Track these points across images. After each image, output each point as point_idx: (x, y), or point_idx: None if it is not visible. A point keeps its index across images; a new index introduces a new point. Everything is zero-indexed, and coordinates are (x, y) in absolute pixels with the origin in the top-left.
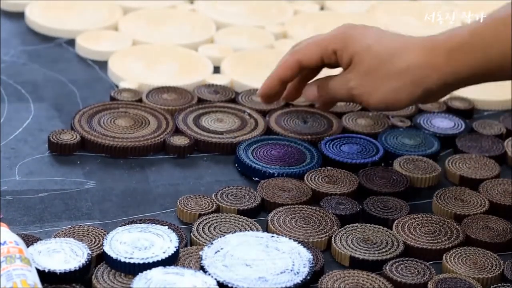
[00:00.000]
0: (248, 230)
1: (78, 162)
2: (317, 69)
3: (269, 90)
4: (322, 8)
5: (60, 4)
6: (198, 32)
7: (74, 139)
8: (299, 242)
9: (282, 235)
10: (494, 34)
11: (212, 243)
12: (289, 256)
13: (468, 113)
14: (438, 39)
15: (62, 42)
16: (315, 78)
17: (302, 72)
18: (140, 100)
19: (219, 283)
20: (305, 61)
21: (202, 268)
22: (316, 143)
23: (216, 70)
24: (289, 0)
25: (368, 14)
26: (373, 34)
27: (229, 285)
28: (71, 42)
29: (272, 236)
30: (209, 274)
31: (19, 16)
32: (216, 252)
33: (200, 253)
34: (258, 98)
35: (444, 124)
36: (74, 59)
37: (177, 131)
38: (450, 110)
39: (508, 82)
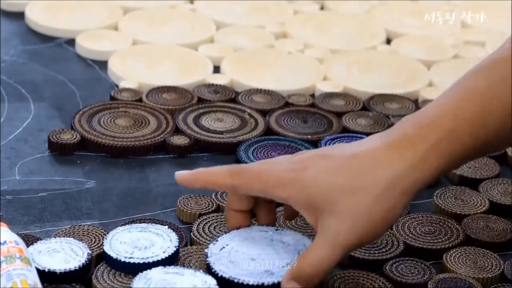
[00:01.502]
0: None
1: (78, 161)
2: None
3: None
4: (322, 8)
5: (60, 4)
6: (198, 32)
7: (74, 138)
8: (304, 234)
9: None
10: (479, 111)
11: (217, 240)
12: (294, 248)
13: None
14: (414, 135)
15: (62, 42)
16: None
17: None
18: (140, 100)
19: (225, 279)
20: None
21: (208, 266)
22: (316, 142)
23: (216, 69)
24: (289, 0)
25: (368, 14)
26: (326, 168)
27: (235, 281)
28: (71, 42)
29: (277, 229)
30: (215, 271)
31: (19, 16)
32: (221, 249)
33: (206, 250)
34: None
35: None
36: (74, 59)
37: (177, 131)
38: None
39: None
